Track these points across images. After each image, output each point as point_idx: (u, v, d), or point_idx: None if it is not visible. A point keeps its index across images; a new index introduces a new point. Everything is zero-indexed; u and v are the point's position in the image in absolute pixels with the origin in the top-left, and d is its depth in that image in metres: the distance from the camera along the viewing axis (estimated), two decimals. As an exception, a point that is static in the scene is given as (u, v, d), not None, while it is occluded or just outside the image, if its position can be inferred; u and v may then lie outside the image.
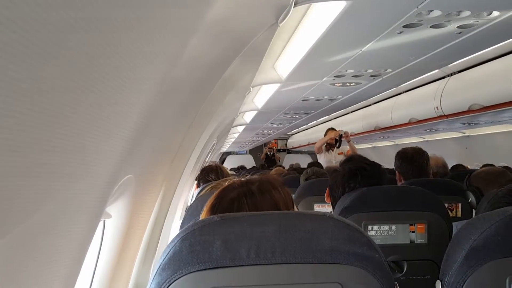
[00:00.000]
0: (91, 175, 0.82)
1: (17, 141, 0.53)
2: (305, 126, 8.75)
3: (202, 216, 0.95)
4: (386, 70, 3.09)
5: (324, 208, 2.34)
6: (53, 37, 0.50)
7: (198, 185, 2.85)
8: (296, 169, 4.82)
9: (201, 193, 1.76)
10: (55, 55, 0.53)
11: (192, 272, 0.71)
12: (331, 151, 6.00)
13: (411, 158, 2.48)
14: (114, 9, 0.59)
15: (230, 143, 11.47)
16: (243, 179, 1.00)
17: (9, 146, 0.52)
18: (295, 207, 1.00)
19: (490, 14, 1.94)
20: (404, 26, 2.05)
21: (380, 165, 1.94)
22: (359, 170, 1.83)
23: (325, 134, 6.12)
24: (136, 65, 0.78)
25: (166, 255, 0.72)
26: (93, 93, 0.67)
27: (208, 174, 2.80)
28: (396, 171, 2.55)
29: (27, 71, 0.49)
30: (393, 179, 2.54)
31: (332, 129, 6.10)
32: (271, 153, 14.01)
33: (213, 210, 0.93)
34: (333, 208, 1.85)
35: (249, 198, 0.92)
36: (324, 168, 3.97)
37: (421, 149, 2.57)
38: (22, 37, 0.45)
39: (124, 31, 0.65)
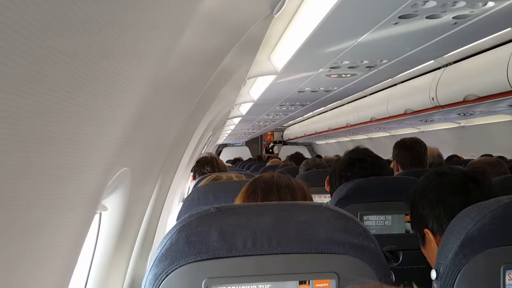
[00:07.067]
0: (86, 168, 0.82)
1: (11, 137, 0.53)
2: (301, 117, 8.75)
3: (239, 197, 1.06)
4: (382, 61, 3.09)
5: (320, 199, 2.34)
6: (50, 37, 0.50)
7: (194, 177, 2.84)
8: (293, 160, 4.74)
9: (199, 185, 1.76)
10: (51, 52, 0.52)
11: (188, 263, 0.71)
12: None
13: (410, 146, 2.54)
14: (108, 2, 0.58)
15: (226, 135, 11.45)
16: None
17: (4, 142, 0.52)
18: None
19: (485, 4, 1.93)
20: (399, 17, 2.04)
21: (382, 159, 1.93)
22: (358, 160, 1.83)
23: None
24: (130, 58, 0.77)
25: (163, 247, 0.73)
26: (87, 87, 0.67)
27: (204, 166, 2.79)
28: (394, 161, 2.59)
29: (25, 68, 0.49)
30: (393, 173, 2.56)
31: None
32: (269, 145, 14.14)
33: (254, 189, 1.04)
34: (331, 196, 1.86)
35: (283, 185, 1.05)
36: None
37: (419, 139, 2.63)
38: (22, 35, 0.45)
39: (119, 23, 0.65)
